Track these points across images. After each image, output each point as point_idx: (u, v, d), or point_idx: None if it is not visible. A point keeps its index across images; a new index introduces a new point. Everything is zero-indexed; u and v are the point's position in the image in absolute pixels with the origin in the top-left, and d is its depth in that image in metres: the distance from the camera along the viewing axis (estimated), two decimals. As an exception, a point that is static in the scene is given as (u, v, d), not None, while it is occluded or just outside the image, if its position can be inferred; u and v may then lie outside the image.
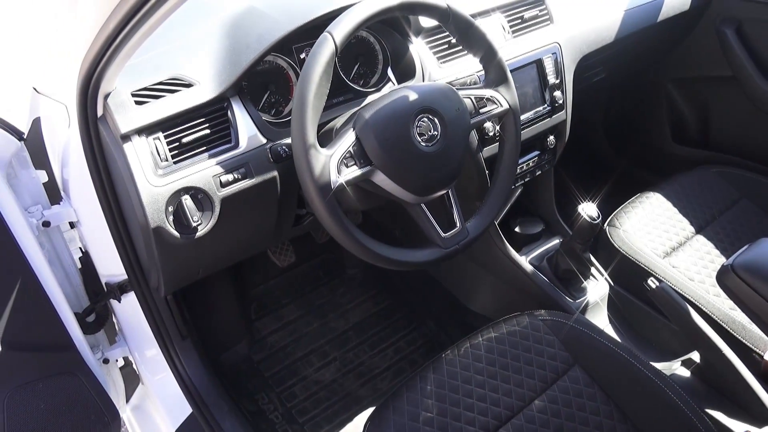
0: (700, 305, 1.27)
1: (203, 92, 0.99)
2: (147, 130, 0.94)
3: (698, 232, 1.46)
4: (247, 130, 1.02)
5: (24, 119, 1.18)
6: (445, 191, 1.03)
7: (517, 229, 1.59)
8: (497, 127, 1.20)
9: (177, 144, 0.96)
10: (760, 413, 1.12)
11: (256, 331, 1.77)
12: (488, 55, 1.07)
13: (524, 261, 1.51)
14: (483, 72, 1.12)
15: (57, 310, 1.11)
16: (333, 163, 0.90)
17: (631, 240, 1.40)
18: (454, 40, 1.24)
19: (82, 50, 0.84)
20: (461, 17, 1.03)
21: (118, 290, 1.20)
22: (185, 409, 1.31)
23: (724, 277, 0.96)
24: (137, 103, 0.94)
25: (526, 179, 1.50)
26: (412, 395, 1.05)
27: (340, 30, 0.91)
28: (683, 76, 1.94)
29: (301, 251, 1.92)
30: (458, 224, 1.04)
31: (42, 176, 1.15)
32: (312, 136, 0.89)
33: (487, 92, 1.09)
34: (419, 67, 1.22)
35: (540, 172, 1.52)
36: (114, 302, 1.25)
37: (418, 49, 1.23)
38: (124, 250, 1.10)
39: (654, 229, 1.44)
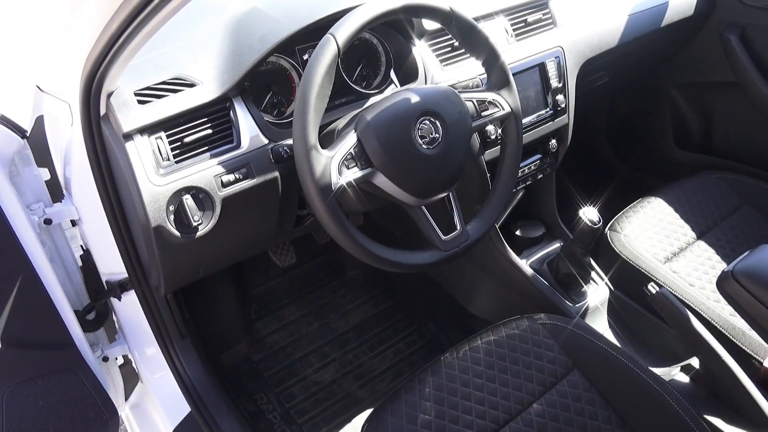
0: (700, 311, 1.26)
1: (206, 92, 0.99)
2: (149, 129, 0.95)
3: (699, 237, 1.45)
4: (249, 130, 1.02)
5: (27, 117, 1.18)
6: (445, 194, 1.03)
7: (518, 233, 1.59)
8: (499, 131, 1.20)
9: (179, 143, 0.97)
10: (759, 420, 1.12)
11: (256, 331, 1.77)
12: (490, 58, 1.08)
13: (525, 264, 1.51)
14: (485, 75, 1.12)
15: (57, 308, 1.12)
16: (334, 165, 0.90)
17: (632, 245, 1.40)
18: (456, 43, 1.24)
19: (85, 49, 0.85)
20: (464, 20, 1.03)
21: (119, 288, 1.20)
22: (184, 408, 1.31)
23: (724, 283, 0.96)
24: (140, 102, 0.95)
25: (528, 182, 1.50)
26: (410, 398, 1.05)
27: (342, 32, 0.91)
28: (686, 82, 1.94)
29: (302, 252, 1.92)
30: (459, 227, 1.04)
31: (44, 174, 1.16)
32: (313, 137, 0.89)
33: (489, 95, 1.09)
34: (422, 70, 1.22)
35: (542, 175, 1.52)
36: (114, 300, 1.26)
37: (421, 51, 1.23)
38: (125, 249, 1.10)
39: (655, 234, 1.44)
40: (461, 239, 1.04)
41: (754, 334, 1.21)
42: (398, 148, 0.93)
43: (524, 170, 1.45)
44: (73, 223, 1.20)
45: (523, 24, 1.37)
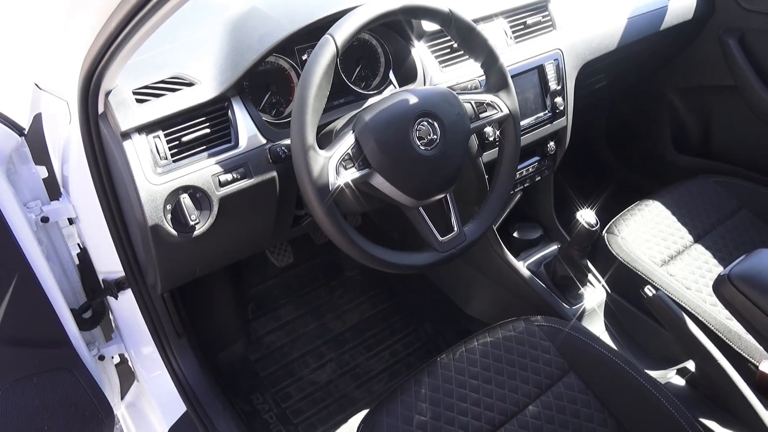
0: (696, 314, 1.27)
1: (204, 91, 0.99)
2: (147, 128, 0.95)
3: (696, 241, 1.46)
4: (247, 130, 1.02)
5: (25, 115, 1.18)
6: (443, 195, 1.03)
7: (515, 235, 1.59)
8: (497, 132, 1.20)
9: (177, 143, 0.97)
10: (755, 423, 1.12)
11: (252, 331, 1.77)
12: (489, 60, 1.08)
13: (522, 266, 1.51)
14: (484, 77, 1.12)
15: (53, 306, 1.11)
16: (331, 165, 0.90)
17: (629, 247, 1.40)
18: (455, 45, 1.24)
19: (84, 47, 0.85)
20: (463, 22, 1.03)
21: (115, 287, 1.20)
22: (180, 408, 1.31)
23: (720, 287, 0.96)
24: (138, 101, 0.95)
25: (526, 184, 1.50)
26: (406, 398, 1.05)
27: (341, 32, 0.91)
28: (685, 85, 1.94)
29: (299, 252, 1.92)
30: (456, 228, 1.04)
31: (42, 172, 1.16)
32: (311, 137, 0.89)
33: (488, 97, 1.09)
34: (420, 71, 1.22)
35: (540, 177, 1.52)
36: (111, 299, 1.25)
37: (420, 52, 1.23)
38: (122, 247, 1.10)
39: (652, 237, 1.44)
40: (458, 241, 1.04)
41: (750, 338, 1.21)
42: (396, 149, 0.93)
43: (522, 172, 1.46)
44: (71, 221, 1.20)
45: (522, 26, 1.37)
